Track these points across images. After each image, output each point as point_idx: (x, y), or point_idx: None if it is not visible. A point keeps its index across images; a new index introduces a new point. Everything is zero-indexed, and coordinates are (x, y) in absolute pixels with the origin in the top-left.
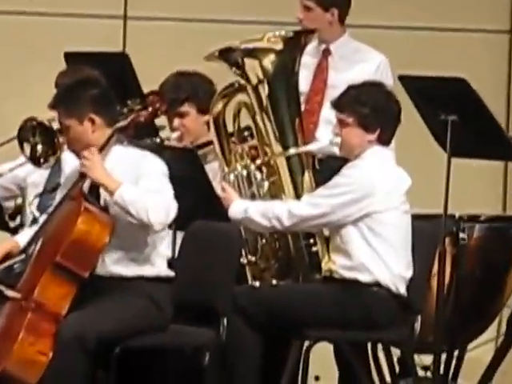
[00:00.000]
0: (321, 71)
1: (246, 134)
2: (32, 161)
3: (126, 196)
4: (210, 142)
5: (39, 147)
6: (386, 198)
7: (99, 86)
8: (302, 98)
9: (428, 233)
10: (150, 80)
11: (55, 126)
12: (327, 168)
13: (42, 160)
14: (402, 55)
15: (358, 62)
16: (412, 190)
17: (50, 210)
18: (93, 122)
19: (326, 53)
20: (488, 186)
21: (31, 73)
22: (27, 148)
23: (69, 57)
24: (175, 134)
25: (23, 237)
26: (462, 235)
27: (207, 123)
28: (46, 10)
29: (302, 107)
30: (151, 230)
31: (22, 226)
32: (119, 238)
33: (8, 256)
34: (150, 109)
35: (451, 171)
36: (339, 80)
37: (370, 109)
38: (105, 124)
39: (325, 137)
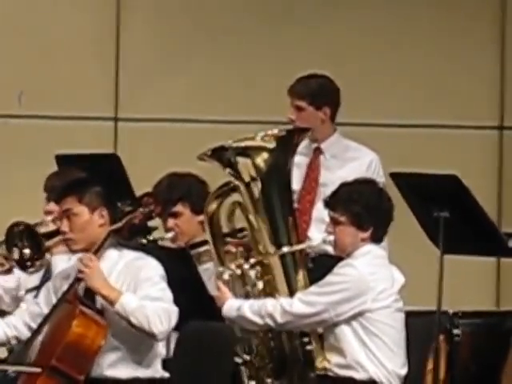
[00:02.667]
0: (312, 170)
1: (240, 234)
2: (19, 265)
3: (127, 307)
4: (205, 242)
5: (26, 251)
6: (379, 296)
7: (99, 186)
8: (294, 197)
9: (422, 330)
10: (141, 181)
11: (42, 230)
12: (320, 266)
13: (29, 264)
14: (393, 152)
15: (349, 161)
16: (405, 287)
17: (46, 312)
18: (102, 215)
19: (318, 151)
20: (481, 281)
21: (20, 176)
22: (15, 253)
23: (60, 159)
24: (170, 235)
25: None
26: (455, 331)
27: (201, 223)
28: (36, 112)
29: (294, 206)
30: (153, 339)
31: None
32: (116, 341)
33: None
34: (145, 210)
35: (444, 268)
36: (331, 179)
37: (362, 207)
38: (110, 222)
39: (317, 235)
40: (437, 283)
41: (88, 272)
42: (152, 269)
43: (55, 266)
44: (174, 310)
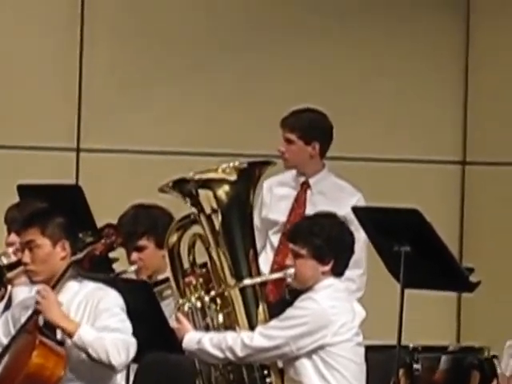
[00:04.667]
0: (299, 204)
1: (201, 269)
2: None
3: (84, 338)
4: (168, 279)
5: None
6: (340, 330)
7: (61, 217)
8: (277, 228)
9: (382, 364)
10: (104, 212)
11: (3, 261)
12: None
13: None
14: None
15: (335, 200)
16: (366, 321)
17: (5, 342)
18: (64, 248)
19: (305, 186)
20: (442, 316)
21: None
22: None
23: (21, 189)
24: (133, 268)
25: None
26: (415, 366)
27: (165, 257)
28: None
29: (278, 237)
30: (112, 371)
31: None
32: (75, 372)
33: None
34: (106, 241)
35: (405, 302)
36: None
37: (323, 240)
38: (71, 253)
39: None
40: (397, 317)
41: (45, 303)
42: (111, 300)
43: (15, 297)
44: (133, 342)
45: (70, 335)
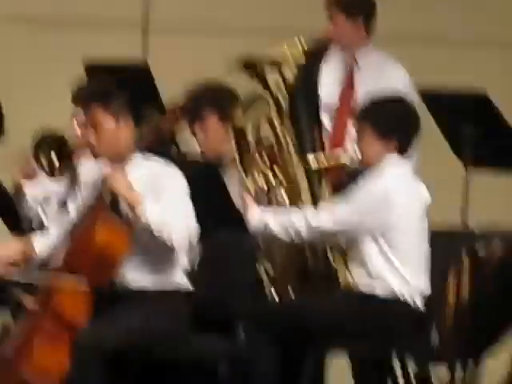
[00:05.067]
0: (348, 84)
1: (265, 144)
2: (48, 173)
3: (148, 214)
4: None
5: (55, 160)
6: (404, 209)
7: (125, 95)
8: (327, 108)
9: (446, 248)
10: (170, 93)
11: (70, 138)
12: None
13: (57, 172)
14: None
15: (383, 77)
16: (430, 205)
17: (72, 220)
18: (127, 125)
19: (352, 62)
20: (507, 200)
21: (54, 82)
22: (44, 160)
23: (89, 70)
24: (196, 141)
25: (39, 243)
26: (480, 250)
27: (228, 131)
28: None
29: (331, 120)
30: (172, 250)
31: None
32: (139, 251)
33: (24, 257)
34: (171, 116)
35: (470, 186)
36: (365, 93)
37: (387, 118)
38: (135, 130)
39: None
40: (461, 201)
41: (113, 174)
42: (175, 182)
43: (82, 175)
44: (194, 225)
45: (134, 208)
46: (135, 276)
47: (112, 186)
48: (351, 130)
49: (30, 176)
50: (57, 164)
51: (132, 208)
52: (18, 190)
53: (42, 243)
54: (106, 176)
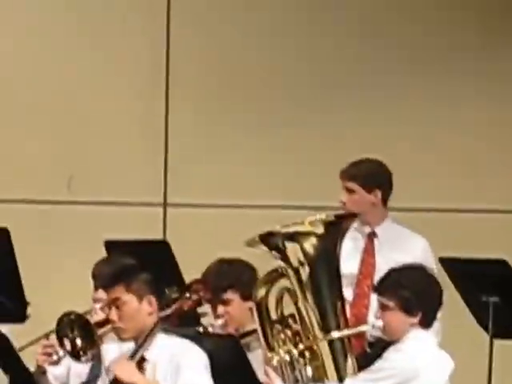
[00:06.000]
0: (368, 254)
1: (289, 320)
2: (72, 355)
3: None
4: (255, 331)
5: (78, 341)
6: (429, 381)
7: (146, 273)
8: (348, 281)
9: None
10: (190, 267)
11: (93, 318)
12: (378, 351)
13: (81, 354)
14: (440, 237)
15: (402, 248)
16: (455, 372)
17: None
18: (150, 303)
19: (372, 236)
20: None
21: (68, 264)
22: (67, 343)
23: (109, 245)
24: (219, 322)
25: None
26: None
27: (251, 309)
28: (85, 198)
29: (352, 291)
30: None
31: None
32: None
33: None
34: (194, 297)
35: (493, 353)
36: (384, 264)
37: (411, 292)
38: (158, 309)
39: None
40: (487, 368)
41: (117, 362)
42: (196, 357)
43: (105, 354)
44: None
45: None
46: None
47: (117, 375)
48: (373, 302)
49: (54, 363)
50: (81, 346)
51: None
52: (40, 371)
53: None
54: (110, 365)
